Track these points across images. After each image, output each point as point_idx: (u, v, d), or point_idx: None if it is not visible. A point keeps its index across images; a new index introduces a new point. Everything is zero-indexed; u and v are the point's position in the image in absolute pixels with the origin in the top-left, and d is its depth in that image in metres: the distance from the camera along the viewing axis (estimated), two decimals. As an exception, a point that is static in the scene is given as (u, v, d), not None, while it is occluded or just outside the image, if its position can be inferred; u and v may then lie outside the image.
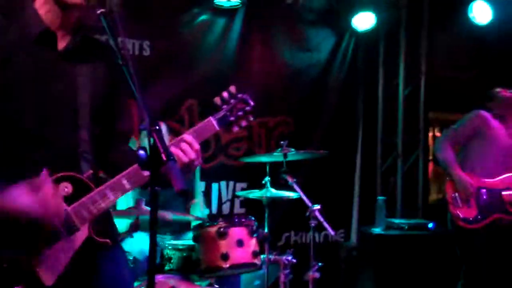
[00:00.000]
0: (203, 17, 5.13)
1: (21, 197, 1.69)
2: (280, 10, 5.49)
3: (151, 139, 1.52)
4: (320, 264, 3.49)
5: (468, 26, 5.71)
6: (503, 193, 4.10)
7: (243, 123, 2.07)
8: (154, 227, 1.47)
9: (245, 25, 5.30)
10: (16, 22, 1.89)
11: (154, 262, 1.54)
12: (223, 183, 5.24)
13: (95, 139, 1.98)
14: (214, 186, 5.17)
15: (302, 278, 3.48)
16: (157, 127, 1.53)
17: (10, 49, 1.84)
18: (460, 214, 4.06)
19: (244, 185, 5.28)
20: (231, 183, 5.28)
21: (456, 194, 4.08)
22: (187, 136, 1.94)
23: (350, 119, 5.98)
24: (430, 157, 6.12)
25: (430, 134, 6.36)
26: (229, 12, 5.20)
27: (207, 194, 5.09)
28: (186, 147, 1.91)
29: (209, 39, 5.16)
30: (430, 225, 5.06)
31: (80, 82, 1.94)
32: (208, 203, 5.08)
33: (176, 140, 1.93)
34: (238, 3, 5.07)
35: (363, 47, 5.99)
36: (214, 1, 5.00)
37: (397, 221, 5.18)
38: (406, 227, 5.01)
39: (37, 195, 1.69)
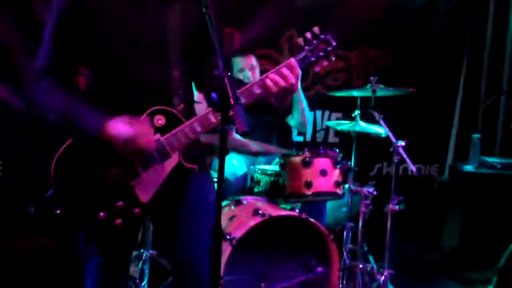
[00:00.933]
0: None
1: (123, 126, 1.97)
2: None
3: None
4: (401, 197, 3.61)
5: None
6: None
7: (324, 63, 2.18)
8: (222, 170, 1.67)
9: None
10: None
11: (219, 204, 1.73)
12: (318, 112, 5.39)
13: (186, 75, 2.19)
14: (310, 114, 5.31)
15: (382, 209, 3.63)
16: (229, 73, 1.70)
17: None
18: None
19: (339, 115, 5.40)
20: (327, 113, 5.42)
21: None
22: (290, 60, 2.10)
23: (455, 51, 5.80)
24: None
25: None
26: None
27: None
28: (285, 72, 2.08)
29: (311, -33, 5.16)
30: (526, 165, 4.90)
31: (170, 21, 2.11)
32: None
33: (280, 66, 2.10)
34: None
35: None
36: None
37: (491, 159, 5.06)
38: (500, 166, 4.88)
39: (135, 127, 1.97)
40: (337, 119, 5.38)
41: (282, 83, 2.07)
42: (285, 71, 2.08)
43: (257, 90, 2.10)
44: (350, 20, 5.29)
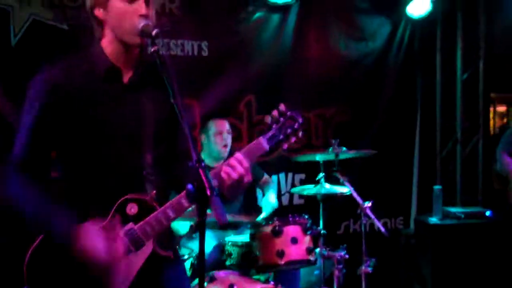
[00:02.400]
0: (258, 14, 5.24)
1: (90, 239, 1.95)
2: (334, 1, 5.57)
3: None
4: (373, 259, 3.63)
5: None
6: None
7: (292, 139, 2.22)
8: (203, 254, 1.65)
9: (299, 19, 5.38)
10: (85, 59, 2.14)
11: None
12: (282, 175, 5.41)
13: (158, 161, 2.20)
14: (274, 178, 5.34)
15: (356, 272, 3.64)
16: (203, 164, 1.71)
17: (80, 83, 2.07)
18: None
19: (302, 176, 5.44)
20: (290, 175, 5.45)
21: None
22: (238, 154, 2.12)
23: (408, 105, 5.99)
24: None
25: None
26: (284, 8, 5.30)
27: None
28: (235, 165, 2.09)
29: (264, 35, 5.28)
30: (488, 213, 5.02)
31: (144, 109, 2.15)
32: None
33: (228, 160, 2.12)
34: (292, 0, 5.19)
35: (419, 33, 5.96)
36: (268, -1, 5.13)
37: (454, 209, 5.17)
38: (463, 216, 5.00)
39: (109, 252, 1.95)
40: (301, 180, 5.41)
41: (233, 175, 2.08)
42: (235, 164, 2.09)
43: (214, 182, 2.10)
44: (306, 81, 5.43)
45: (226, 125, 4.33)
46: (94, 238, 1.95)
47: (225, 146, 4.24)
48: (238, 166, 2.09)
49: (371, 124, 5.79)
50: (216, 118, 4.38)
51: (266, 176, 4.59)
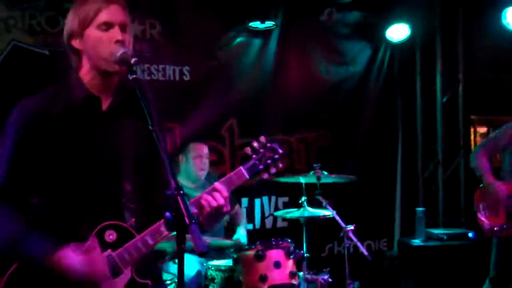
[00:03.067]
0: (239, 39, 5.31)
1: (71, 259, 1.90)
2: (314, 27, 5.64)
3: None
4: (356, 282, 3.62)
5: (504, 29, 5.69)
6: None
7: (272, 170, 2.24)
8: (182, 282, 1.64)
9: (280, 44, 5.45)
10: (63, 89, 2.12)
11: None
12: (265, 198, 5.41)
13: (137, 189, 2.18)
14: (257, 201, 5.35)
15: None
16: (182, 192, 1.70)
17: (58, 113, 2.05)
18: (486, 224, 4.08)
19: (285, 199, 5.44)
20: (273, 198, 5.45)
21: (485, 204, 4.11)
22: (217, 184, 2.12)
23: (389, 129, 6.06)
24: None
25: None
26: (264, 33, 5.36)
27: (250, 209, 5.30)
28: (215, 194, 2.09)
29: (246, 60, 5.34)
30: (470, 234, 5.05)
31: (123, 137, 2.13)
32: (252, 218, 5.29)
33: (209, 189, 2.12)
34: (272, 25, 5.23)
35: (399, 57, 6.06)
36: (249, 24, 5.18)
37: (436, 231, 5.21)
38: (446, 238, 5.04)
39: (86, 260, 1.91)
40: (284, 203, 5.41)
41: (213, 203, 2.07)
42: (216, 194, 2.09)
43: (194, 210, 2.10)
44: (288, 105, 5.47)
45: (205, 149, 4.38)
46: (73, 255, 1.91)
47: (203, 170, 4.29)
48: (218, 195, 2.09)
49: (353, 148, 5.84)
50: (196, 142, 4.41)
51: (237, 206, 4.61)
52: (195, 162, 4.27)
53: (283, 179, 4.26)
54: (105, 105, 2.14)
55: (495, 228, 4.05)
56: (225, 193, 2.10)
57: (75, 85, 2.12)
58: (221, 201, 2.08)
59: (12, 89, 3.95)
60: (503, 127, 4.34)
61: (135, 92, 2.01)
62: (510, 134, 4.23)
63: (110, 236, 2.04)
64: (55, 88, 2.12)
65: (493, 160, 4.41)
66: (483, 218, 4.11)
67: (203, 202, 2.08)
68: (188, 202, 1.68)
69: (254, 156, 2.19)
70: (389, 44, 5.92)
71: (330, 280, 3.60)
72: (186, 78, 5.02)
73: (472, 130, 6.48)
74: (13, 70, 4.16)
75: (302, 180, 3.99)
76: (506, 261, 4.12)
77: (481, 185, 4.22)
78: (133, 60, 1.94)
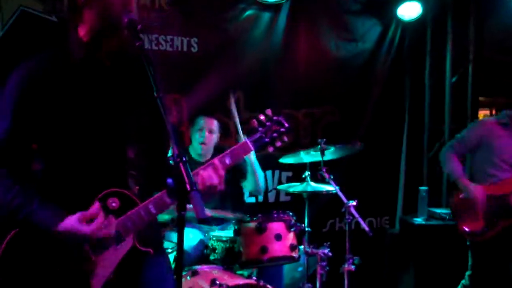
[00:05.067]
0: (249, 12, 5.26)
1: (75, 224, 1.93)
2: (325, 2, 5.60)
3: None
4: (356, 257, 3.65)
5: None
6: (511, 198, 4.00)
7: (278, 144, 2.28)
8: (181, 250, 1.66)
9: (290, 18, 5.41)
10: (62, 50, 2.11)
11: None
12: (269, 172, 5.43)
13: (140, 157, 2.19)
14: (260, 175, 5.36)
15: (339, 270, 3.67)
16: (184, 159, 1.71)
17: (57, 74, 2.05)
18: (466, 229, 4.07)
19: (289, 173, 5.46)
20: (277, 172, 5.47)
21: (463, 208, 4.10)
22: (215, 161, 2.13)
23: (396, 107, 6.05)
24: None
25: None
26: (274, 7, 5.32)
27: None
28: (211, 173, 2.10)
29: (255, 33, 5.30)
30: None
31: (124, 103, 2.14)
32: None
33: (205, 165, 2.13)
34: (283, -2, 5.20)
35: (409, 36, 6.01)
36: (259, -3, 5.14)
37: (439, 210, 5.23)
38: (448, 217, 5.05)
39: (90, 225, 1.94)
40: (288, 177, 5.43)
41: (207, 182, 2.09)
42: (211, 171, 2.10)
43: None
44: (295, 80, 5.45)
45: (210, 124, 4.29)
46: (77, 220, 1.94)
47: (203, 143, 4.21)
48: (213, 174, 2.10)
49: (359, 125, 5.83)
50: (203, 115, 4.37)
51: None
52: (196, 135, 4.25)
53: (286, 159, 4.27)
54: (105, 69, 2.13)
55: (477, 232, 4.04)
56: (221, 171, 2.12)
57: (75, 46, 2.10)
58: (215, 180, 2.09)
59: (20, 56, 3.95)
60: (470, 127, 4.33)
61: (136, 60, 2.02)
62: (478, 135, 4.19)
63: (113, 203, 2.06)
64: (55, 50, 2.11)
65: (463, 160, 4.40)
66: (464, 226, 4.08)
67: (197, 178, 2.08)
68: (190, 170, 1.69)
69: (260, 129, 2.22)
70: (400, 22, 5.88)
71: (330, 254, 3.63)
72: (194, 49, 4.99)
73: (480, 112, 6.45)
74: (21, 36, 4.16)
75: (306, 159, 4.00)
76: (482, 262, 4.13)
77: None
78: (139, 26, 1.93)
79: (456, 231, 4.84)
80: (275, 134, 2.24)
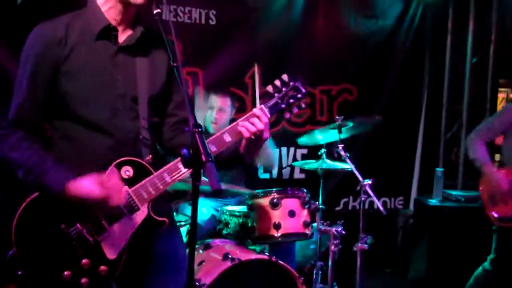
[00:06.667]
0: (268, -15, 5.19)
1: (92, 186, 1.90)
2: (346, -24, 5.50)
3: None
4: (369, 236, 3.62)
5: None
6: None
7: (295, 110, 2.20)
8: (195, 221, 1.63)
9: (311, -8, 5.33)
10: (81, 17, 2.09)
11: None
12: (284, 149, 5.39)
13: (155, 126, 2.17)
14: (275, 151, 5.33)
15: (351, 247, 3.64)
16: (200, 129, 1.67)
17: (74, 41, 2.03)
18: (495, 214, 3.99)
19: (304, 151, 5.41)
20: (292, 149, 5.43)
21: (491, 194, 4.01)
22: (256, 110, 2.09)
23: (414, 86, 5.94)
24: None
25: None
26: (295, -20, 5.24)
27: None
28: (254, 120, 2.07)
29: (274, 7, 5.20)
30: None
31: (139, 73, 2.10)
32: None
33: (247, 115, 2.10)
34: (304, -28, 5.10)
35: (430, 14, 5.87)
36: (280, -30, 5.04)
37: (454, 192, 5.17)
38: (463, 200, 5.00)
39: (106, 186, 1.91)
40: (303, 155, 5.39)
41: (252, 128, 2.06)
42: (254, 119, 2.07)
43: (228, 138, 2.09)
44: (313, 56, 5.37)
45: (218, 102, 4.17)
46: (92, 181, 1.91)
47: (213, 123, 4.11)
48: (257, 121, 2.07)
49: (376, 103, 5.74)
50: (215, 94, 4.27)
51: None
52: (207, 113, 4.18)
53: (303, 139, 4.23)
54: (122, 38, 2.11)
55: (506, 218, 3.96)
56: (265, 119, 2.08)
57: (92, 14, 2.08)
58: (260, 126, 2.06)
59: (36, 23, 3.91)
60: (499, 112, 4.23)
61: (152, 29, 2.01)
62: (506, 120, 4.10)
63: (127, 172, 2.04)
64: (72, 17, 2.09)
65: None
66: (493, 212, 4.01)
67: (240, 128, 2.06)
68: (206, 140, 1.66)
69: (276, 94, 2.15)
70: (422, 0, 5.75)
71: (344, 232, 3.60)
72: (212, 22, 4.91)
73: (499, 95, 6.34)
74: (38, 3, 4.12)
75: (323, 134, 3.96)
76: (508, 247, 4.06)
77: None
78: None
79: (471, 214, 4.83)
80: (292, 100, 2.15)
